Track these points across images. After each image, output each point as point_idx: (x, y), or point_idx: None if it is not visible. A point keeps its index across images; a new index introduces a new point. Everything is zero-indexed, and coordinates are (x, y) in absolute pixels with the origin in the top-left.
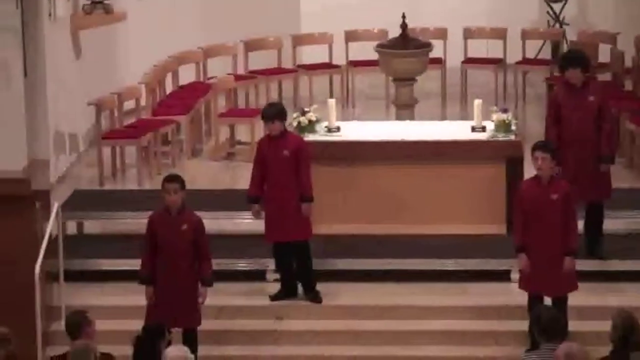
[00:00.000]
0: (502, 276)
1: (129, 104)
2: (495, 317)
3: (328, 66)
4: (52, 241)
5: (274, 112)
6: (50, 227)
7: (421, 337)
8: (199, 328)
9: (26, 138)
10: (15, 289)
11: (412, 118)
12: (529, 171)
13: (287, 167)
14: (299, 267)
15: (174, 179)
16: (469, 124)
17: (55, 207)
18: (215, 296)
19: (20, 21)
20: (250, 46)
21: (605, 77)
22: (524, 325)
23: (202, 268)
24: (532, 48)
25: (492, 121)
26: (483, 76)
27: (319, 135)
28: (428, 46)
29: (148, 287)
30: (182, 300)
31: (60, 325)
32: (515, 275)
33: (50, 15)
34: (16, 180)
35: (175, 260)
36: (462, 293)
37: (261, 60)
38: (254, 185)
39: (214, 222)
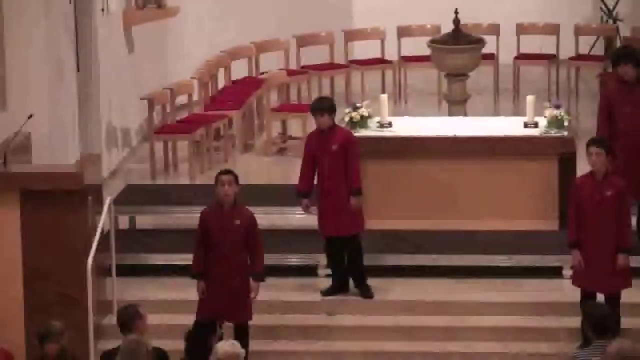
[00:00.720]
0: (555, 272)
1: (182, 99)
2: (548, 314)
3: (380, 61)
4: (105, 235)
5: (323, 106)
6: (102, 222)
7: (472, 333)
8: (250, 323)
9: (79, 132)
10: (68, 283)
11: (464, 114)
12: (581, 167)
13: (336, 161)
14: (351, 261)
15: (229, 172)
16: (521, 120)
17: (107, 201)
18: (266, 291)
19: (74, 16)
20: (303, 41)
21: None
22: (576, 321)
23: (254, 263)
24: (585, 44)
25: (545, 117)
26: (535, 72)
27: (371, 130)
28: (480, 42)
29: (200, 281)
30: (234, 295)
31: (112, 319)
32: (567, 272)
33: (102, 10)
34: (69, 174)
35: (227, 255)
36: (514, 289)
37: (313, 55)
38: (303, 180)
39: (266, 217)
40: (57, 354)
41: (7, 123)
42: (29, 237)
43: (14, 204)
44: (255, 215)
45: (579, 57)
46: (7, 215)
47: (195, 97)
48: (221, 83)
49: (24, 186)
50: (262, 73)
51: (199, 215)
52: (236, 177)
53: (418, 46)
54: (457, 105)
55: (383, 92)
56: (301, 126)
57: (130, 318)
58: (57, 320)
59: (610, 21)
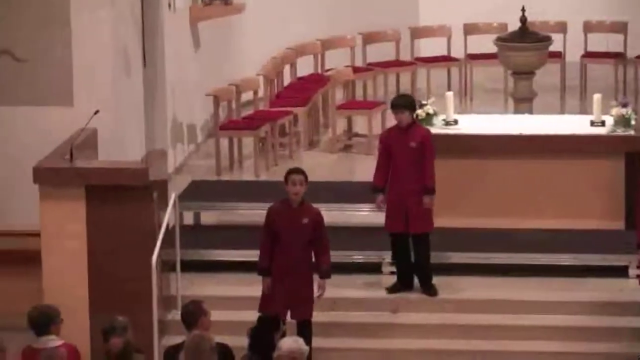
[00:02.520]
0: (620, 272)
1: (247, 95)
2: (613, 313)
3: (446, 59)
4: (169, 231)
5: (405, 102)
6: (167, 217)
7: (535, 332)
8: (313, 320)
9: (145, 128)
10: (133, 278)
11: (530, 112)
12: None
13: (412, 158)
14: (417, 259)
15: (300, 171)
16: (588, 118)
17: (172, 197)
18: (330, 288)
19: (140, 12)
20: (368, 38)
21: None
22: None
23: (320, 260)
24: None
25: (612, 116)
26: (603, 70)
27: (437, 128)
28: (547, 40)
29: (266, 278)
30: (298, 292)
31: (177, 314)
32: (633, 271)
33: (169, 6)
34: (134, 170)
35: (293, 252)
36: (579, 288)
37: (379, 52)
38: (380, 175)
39: (331, 214)
40: (121, 349)
41: (73, 119)
42: (94, 232)
43: (79, 199)
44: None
45: None
46: (73, 211)
47: (260, 94)
48: (287, 80)
49: (90, 182)
50: (328, 70)
51: (263, 211)
52: (306, 177)
53: (484, 44)
54: (523, 103)
55: (449, 89)
56: (366, 123)
57: (194, 314)
58: (121, 315)
59: None
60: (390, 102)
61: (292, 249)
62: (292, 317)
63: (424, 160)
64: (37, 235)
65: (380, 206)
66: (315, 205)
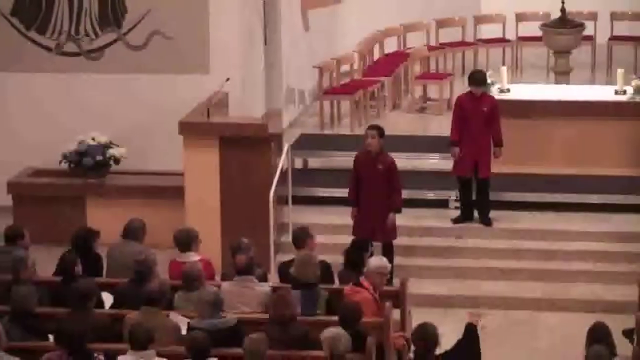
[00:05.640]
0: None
1: (345, 68)
2: (634, 241)
3: (501, 40)
4: (283, 173)
5: (483, 77)
6: (282, 162)
7: (569, 255)
8: (395, 243)
9: (265, 92)
10: (255, 209)
11: (567, 82)
12: None
13: (483, 120)
14: (478, 197)
15: (373, 128)
16: (612, 88)
17: (286, 147)
18: (408, 218)
19: (263, 2)
20: (441, 24)
21: None
22: None
23: (393, 198)
24: None
25: (632, 86)
26: (625, 50)
27: (494, 94)
28: (582, 26)
29: (353, 208)
30: (380, 221)
31: (288, 238)
32: None
33: None
34: (257, 125)
35: (372, 190)
36: (605, 222)
37: (449, 35)
38: (455, 131)
39: (409, 161)
40: (245, 264)
41: (209, 84)
42: (225, 173)
43: (214, 147)
44: (399, 159)
45: None
46: (209, 156)
47: (355, 67)
48: (376, 56)
49: (222, 134)
50: (409, 48)
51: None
52: (380, 130)
53: (532, 28)
54: (562, 76)
55: (503, 64)
56: (438, 91)
57: (302, 237)
58: (245, 237)
59: None
60: (469, 77)
61: (371, 188)
62: (377, 240)
63: (492, 120)
64: (180, 174)
65: (455, 156)
66: (396, 154)
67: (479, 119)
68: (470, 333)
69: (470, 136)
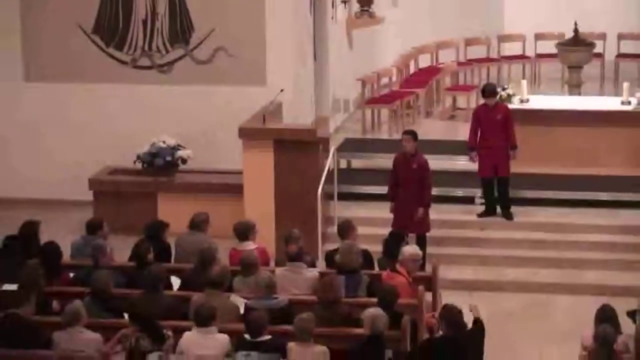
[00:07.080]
0: None
1: (385, 80)
2: (637, 233)
3: (522, 57)
4: (330, 173)
5: (493, 89)
6: (328, 163)
7: (581, 245)
8: (427, 235)
9: (314, 102)
10: (305, 204)
11: (579, 94)
12: None
13: (498, 126)
14: (500, 194)
15: (408, 133)
16: (619, 99)
17: (332, 149)
18: (439, 213)
19: (312, 22)
20: (469, 42)
21: None
22: None
23: (423, 195)
24: None
25: (636, 98)
26: (631, 67)
27: (515, 104)
28: (592, 44)
29: (392, 203)
30: (414, 215)
31: (334, 229)
32: None
33: (332, 18)
34: (307, 130)
35: (408, 187)
36: (613, 216)
37: (476, 52)
38: (473, 138)
39: (440, 162)
40: (296, 252)
41: (266, 95)
42: (279, 172)
43: (269, 149)
44: (431, 161)
45: None
46: (265, 157)
47: (394, 79)
48: (412, 70)
49: (277, 137)
50: (440, 64)
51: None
52: (414, 135)
53: (548, 47)
54: (574, 88)
55: (523, 78)
56: (466, 101)
57: (346, 228)
58: (296, 228)
59: None
60: (482, 89)
61: (407, 185)
62: (412, 232)
63: (506, 126)
64: (240, 173)
65: (473, 160)
66: (428, 155)
67: (495, 126)
68: (477, 324)
69: (488, 142)
